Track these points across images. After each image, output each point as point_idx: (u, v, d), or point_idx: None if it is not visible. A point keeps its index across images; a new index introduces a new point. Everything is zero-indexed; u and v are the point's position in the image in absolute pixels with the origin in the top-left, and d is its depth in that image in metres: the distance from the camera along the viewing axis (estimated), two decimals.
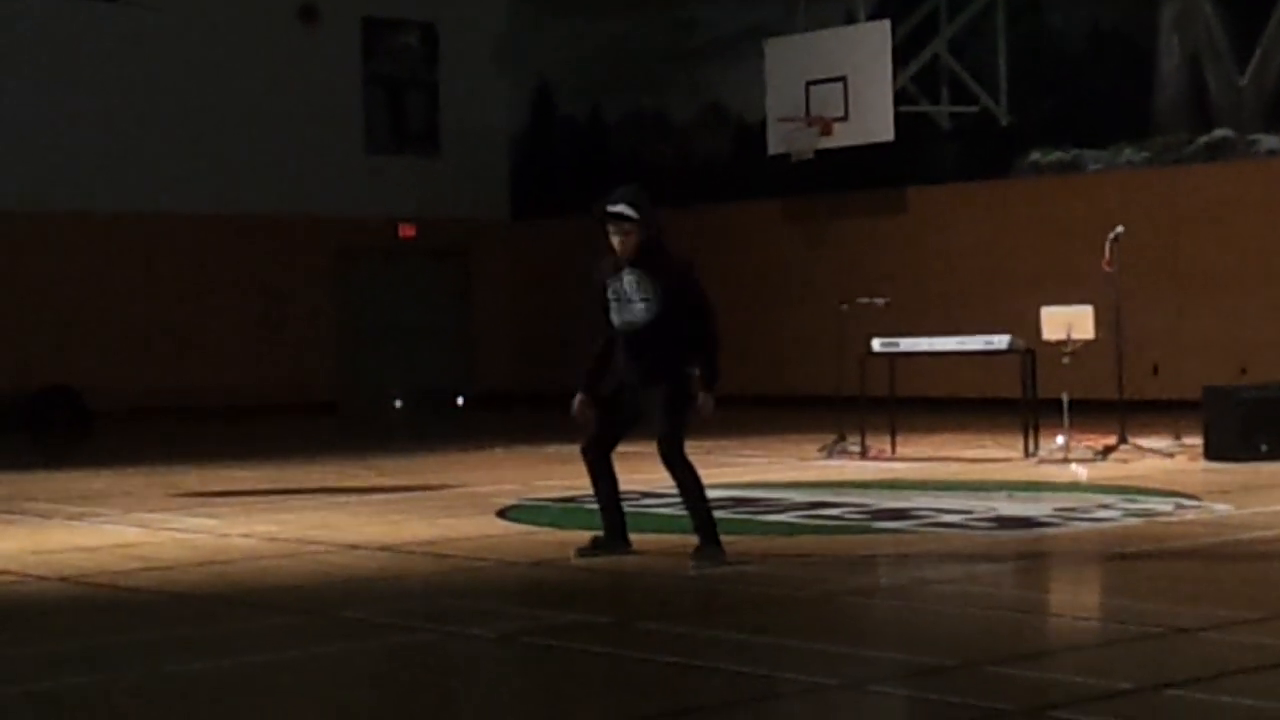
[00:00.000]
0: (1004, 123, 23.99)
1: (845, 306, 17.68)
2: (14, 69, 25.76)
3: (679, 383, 9.65)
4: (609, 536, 9.95)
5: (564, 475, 14.97)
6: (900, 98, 23.72)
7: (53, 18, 26.04)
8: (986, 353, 16.80)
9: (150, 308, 26.68)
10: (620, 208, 9.59)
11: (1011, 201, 23.92)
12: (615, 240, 9.62)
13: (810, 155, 24.30)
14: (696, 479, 9.69)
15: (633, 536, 10.02)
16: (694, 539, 9.72)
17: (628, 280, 9.62)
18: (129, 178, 26.51)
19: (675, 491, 9.87)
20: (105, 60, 26.39)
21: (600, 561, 9.80)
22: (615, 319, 9.67)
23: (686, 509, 9.79)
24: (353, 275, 28.55)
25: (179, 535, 11.58)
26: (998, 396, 19.94)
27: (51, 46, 26.04)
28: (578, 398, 9.78)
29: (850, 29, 24.33)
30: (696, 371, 9.70)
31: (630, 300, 9.61)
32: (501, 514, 12.36)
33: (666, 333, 9.59)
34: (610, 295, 9.67)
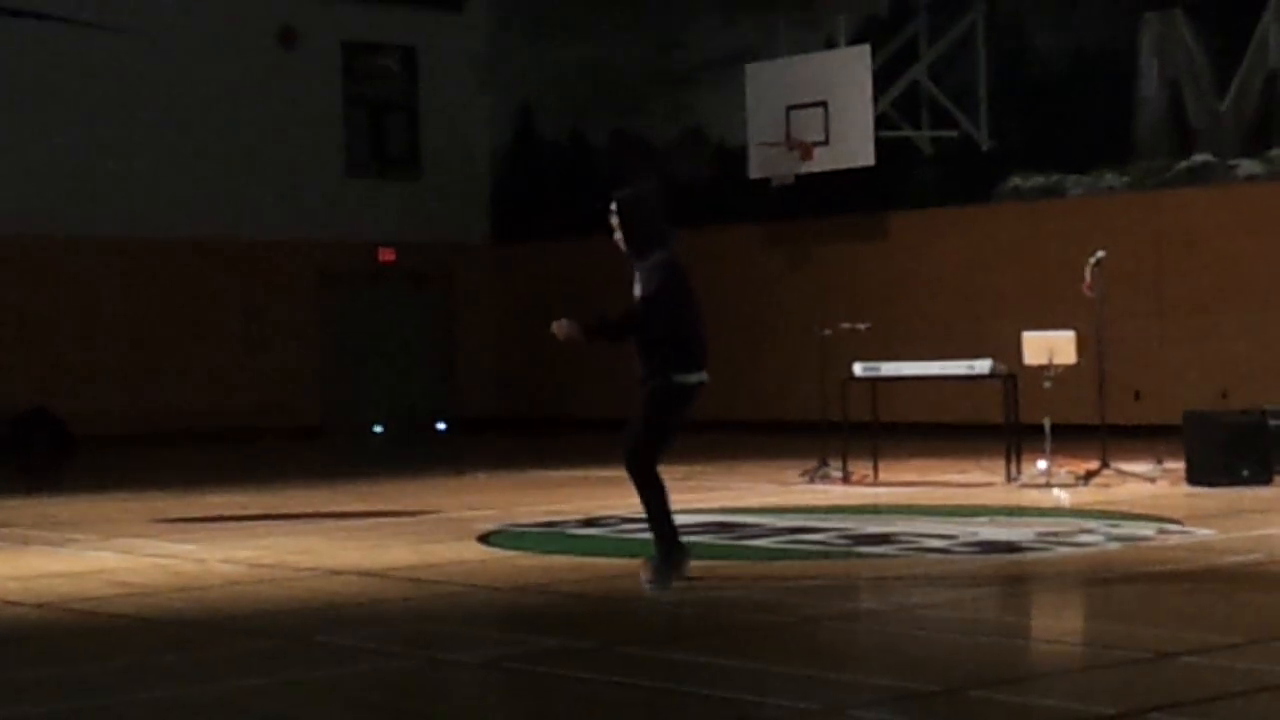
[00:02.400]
0: (985, 147, 24.03)
1: (827, 331, 17.68)
2: None
3: (661, 385, 9.59)
4: (680, 546, 9.76)
5: (546, 500, 14.96)
6: (881, 122, 23.75)
7: (31, 42, 26.00)
8: (968, 377, 16.80)
9: (131, 331, 26.62)
10: (612, 204, 9.85)
11: (993, 226, 23.95)
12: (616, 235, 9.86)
13: (791, 180, 24.32)
14: (662, 495, 9.55)
15: (613, 562, 9.99)
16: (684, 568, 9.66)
17: (636, 275, 9.81)
18: (109, 202, 26.46)
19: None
20: (85, 84, 26.35)
21: (587, 587, 9.76)
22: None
23: (650, 524, 9.68)
24: (334, 299, 28.50)
25: (159, 560, 11.53)
26: (980, 421, 19.95)
27: (30, 71, 25.99)
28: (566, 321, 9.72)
29: (831, 54, 24.36)
30: (692, 379, 9.63)
31: (633, 296, 9.77)
32: (483, 539, 12.32)
33: (651, 331, 9.62)
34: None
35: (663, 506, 9.62)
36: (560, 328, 9.61)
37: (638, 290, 9.75)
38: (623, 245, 9.81)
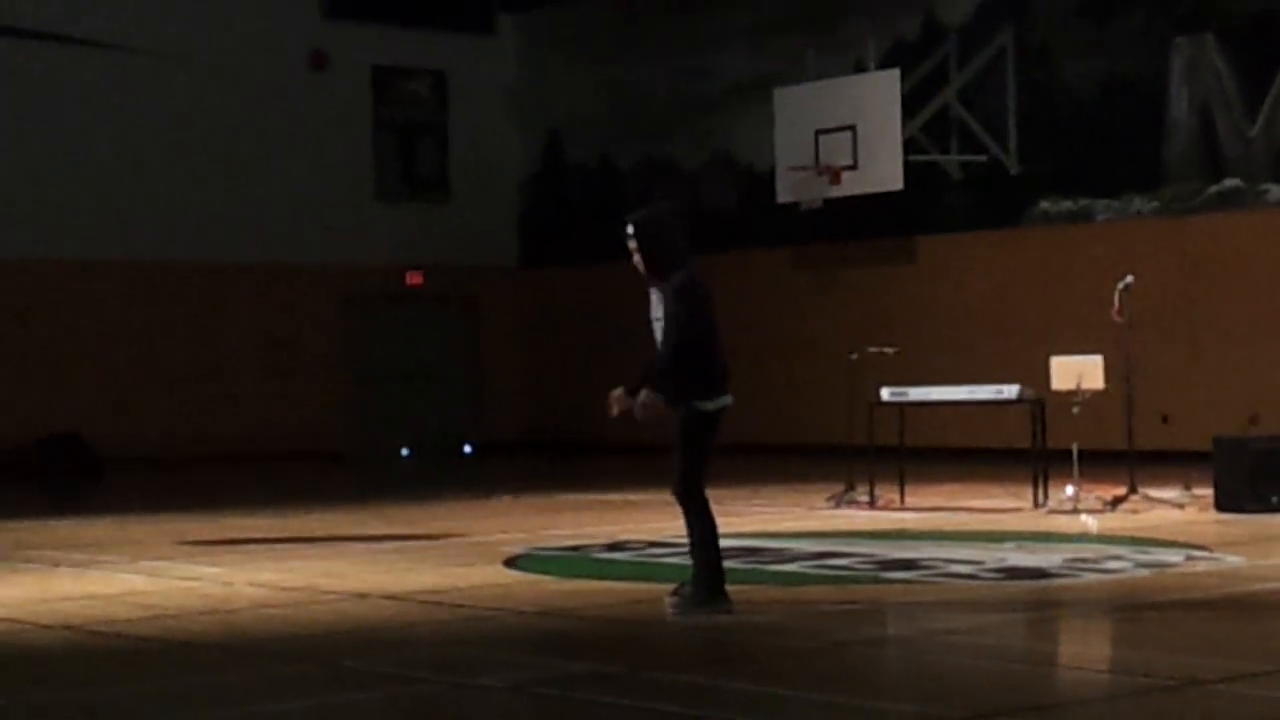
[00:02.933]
0: (1014, 172, 24.00)
1: (854, 355, 17.65)
2: (22, 116, 25.85)
3: (686, 414, 9.53)
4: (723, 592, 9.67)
5: (573, 524, 14.95)
6: (910, 147, 23.73)
7: (63, 64, 26.13)
8: (996, 402, 16.76)
9: (159, 355, 26.69)
10: (628, 227, 9.77)
11: (1021, 251, 23.92)
12: (634, 259, 9.78)
13: (819, 204, 24.33)
14: (707, 524, 9.51)
15: (639, 586, 9.97)
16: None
17: (653, 300, 9.73)
18: (138, 225, 26.57)
19: (683, 541, 9.80)
20: (116, 108, 26.47)
21: (613, 611, 9.74)
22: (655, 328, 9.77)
23: (690, 552, 9.67)
24: (361, 322, 28.56)
25: (186, 584, 11.55)
26: (1007, 446, 19.89)
27: (62, 95, 26.12)
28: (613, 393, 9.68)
29: (859, 78, 24.37)
30: (712, 406, 9.60)
31: (653, 319, 9.70)
32: (510, 563, 12.32)
33: (678, 355, 9.56)
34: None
35: (708, 538, 9.51)
36: (645, 407, 9.48)
37: (657, 312, 9.66)
38: (641, 268, 9.74)
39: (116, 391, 26.23)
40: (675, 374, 9.54)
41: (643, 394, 9.50)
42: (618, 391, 9.64)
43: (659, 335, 9.65)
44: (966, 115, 24.28)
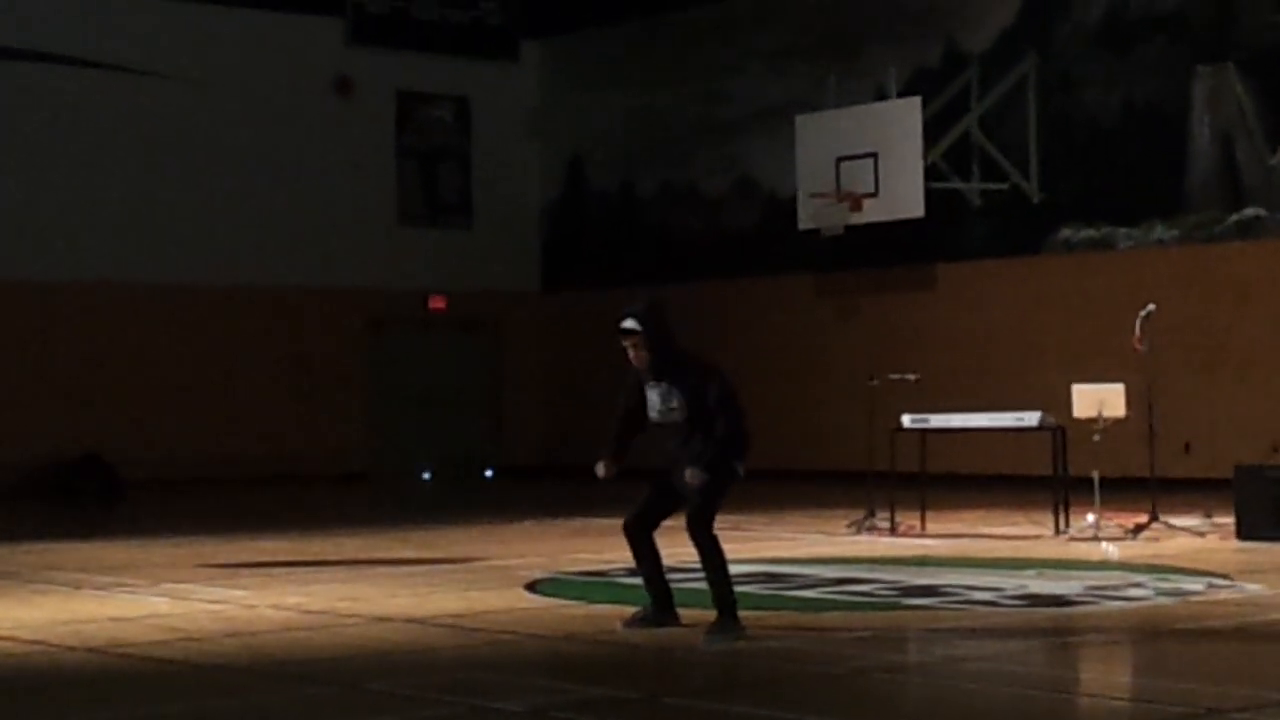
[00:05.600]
0: (1035, 200, 24.00)
1: (876, 382, 17.66)
2: (45, 140, 25.97)
3: (727, 474, 9.76)
4: (657, 609, 10.03)
5: (593, 549, 14.96)
6: (931, 174, 23.76)
7: (90, 89, 26.26)
8: (1017, 429, 16.78)
9: (182, 378, 26.77)
10: (628, 322, 9.80)
11: (1042, 278, 23.91)
12: (630, 354, 9.86)
13: (841, 230, 24.35)
14: (719, 552, 9.76)
15: None
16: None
17: (655, 394, 9.86)
18: (162, 248, 26.68)
19: (698, 566, 9.88)
20: (141, 132, 26.59)
21: (635, 635, 9.79)
22: (652, 415, 9.89)
23: (708, 582, 9.80)
24: (383, 346, 28.63)
25: (208, 606, 11.58)
26: (1029, 473, 19.88)
27: (85, 118, 26.24)
28: (602, 461, 9.89)
29: (881, 105, 24.41)
30: (742, 468, 9.78)
31: (661, 409, 9.84)
32: (530, 587, 12.35)
33: (704, 429, 9.73)
34: (646, 398, 9.88)
35: (727, 567, 9.77)
36: (688, 475, 9.62)
37: (664, 406, 9.75)
38: (645, 361, 9.78)
39: (139, 414, 26.30)
40: (719, 440, 9.70)
41: (693, 472, 9.64)
42: (606, 460, 9.96)
43: (674, 418, 9.78)
44: (987, 143, 24.30)
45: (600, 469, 9.97)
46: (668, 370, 9.78)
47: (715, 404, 9.70)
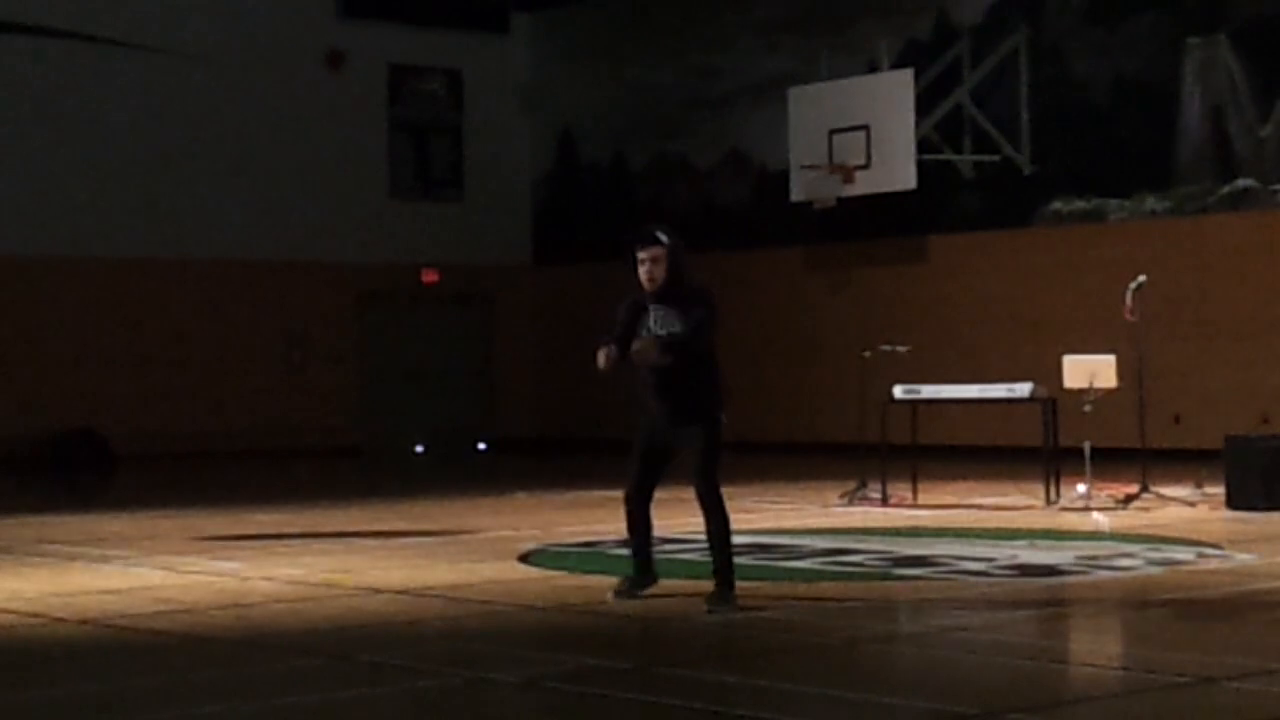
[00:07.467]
0: (1026, 171, 24.01)
1: (867, 354, 17.69)
2: (39, 115, 25.92)
3: (713, 425, 9.71)
4: (640, 574, 10.02)
5: (586, 520, 14.99)
6: (923, 146, 23.76)
7: (82, 63, 26.20)
8: (1008, 401, 16.81)
9: (175, 352, 26.77)
10: (658, 234, 9.83)
11: (1033, 250, 23.93)
12: (645, 270, 9.78)
13: (832, 203, 24.35)
14: (727, 522, 9.74)
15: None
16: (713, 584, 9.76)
17: (654, 315, 9.78)
18: (154, 222, 26.64)
19: (696, 537, 9.90)
20: (129, 105, 26.54)
21: (627, 606, 9.82)
22: (651, 331, 9.80)
23: (711, 549, 9.80)
24: (376, 320, 28.63)
25: (201, 578, 11.60)
26: (1019, 444, 19.93)
27: (76, 93, 26.19)
28: (602, 349, 9.75)
29: (873, 78, 24.40)
30: (724, 417, 9.76)
31: (656, 334, 9.71)
32: (523, 559, 12.37)
33: (695, 370, 9.66)
34: (641, 327, 9.80)
35: (730, 534, 9.78)
36: (640, 354, 9.59)
37: (659, 328, 9.70)
38: (657, 283, 9.77)
39: (131, 387, 26.31)
40: (696, 387, 9.69)
41: (644, 345, 9.61)
42: (605, 350, 9.73)
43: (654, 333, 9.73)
44: (979, 115, 24.29)
45: (601, 358, 9.73)
46: (674, 294, 9.77)
47: (701, 324, 9.71)
